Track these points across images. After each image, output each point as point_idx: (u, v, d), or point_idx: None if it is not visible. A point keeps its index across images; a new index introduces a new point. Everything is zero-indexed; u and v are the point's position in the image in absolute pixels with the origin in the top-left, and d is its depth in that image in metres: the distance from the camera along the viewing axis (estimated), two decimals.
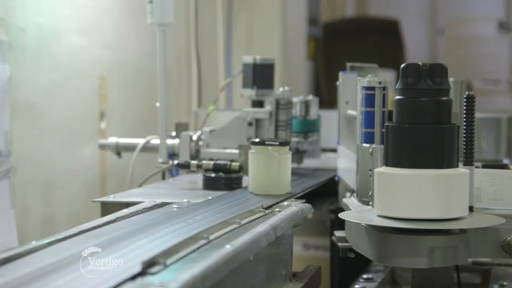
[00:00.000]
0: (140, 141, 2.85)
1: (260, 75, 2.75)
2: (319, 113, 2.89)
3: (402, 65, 1.72)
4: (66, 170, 3.02)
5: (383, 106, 1.91)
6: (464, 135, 1.78)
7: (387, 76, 2.27)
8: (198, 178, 2.35)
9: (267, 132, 2.64)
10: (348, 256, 1.97)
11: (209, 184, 2.26)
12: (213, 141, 2.69)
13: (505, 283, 2.23)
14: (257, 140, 2.15)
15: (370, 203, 1.87)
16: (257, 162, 2.12)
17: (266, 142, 2.13)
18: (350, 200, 2.09)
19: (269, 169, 2.12)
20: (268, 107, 2.66)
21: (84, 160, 3.14)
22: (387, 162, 1.72)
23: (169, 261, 1.29)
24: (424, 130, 1.68)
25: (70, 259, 1.33)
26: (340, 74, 2.37)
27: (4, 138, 2.51)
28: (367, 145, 1.94)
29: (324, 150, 3.16)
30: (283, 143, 2.15)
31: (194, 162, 2.32)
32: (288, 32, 5.18)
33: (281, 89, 2.66)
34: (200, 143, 2.72)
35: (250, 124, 2.66)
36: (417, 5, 8.52)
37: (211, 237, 1.49)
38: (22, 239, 2.62)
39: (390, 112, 1.85)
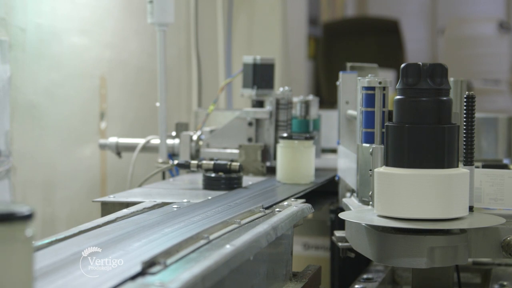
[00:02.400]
0: (140, 141, 2.85)
1: (260, 75, 2.76)
2: (319, 113, 2.89)
3: (402, 65, 1.72)
4: (66, 170, 3.02)
5: (383, 106, 1.91)
6: (464, 135, 1.78)
7: (387, 76, 2.27)
8: (198, 178, 2.35)
9: (267, 132, 2.64)
10: (348, 256, 1.97)
11: (209, 184, 2.26)
12: (213, 141, 2.69)
13: (505, 283, 2.23)
14: (285, 135, 2.42)
15: (370, 203, 1.87)
16: (285, 155, 2.40)
17: (293, 137, 2.40)
18: (350, 200, 2.09)
19: (295, 160, 2.39)
20: (268, 107, 2.66)
21: (84, 160, 3.14)
22: (387, 162, 1.72)
23: (169, 261, 1.29)
24: (424, 130, 1.68)
25: (70, 259, 1.33)
26: (340, 74, 2.37)
27: (4, 138, 2.51)
28: (367, 145, 1.94)
29: (324, 150, 3.16)
30: (307, 138, 2.42)
31: (194, 162, 2.32)
32: (288, 32, 5.18)
33: (281, 89, 2.66)
34: (200, 143, 2.72)
35: (250, 124, 2.66)
36: (417, 5, 8.52)
37: (211, 237, 1.49)
38: None
39: (390, 112, 1.85)
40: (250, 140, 2.65)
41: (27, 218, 0.98)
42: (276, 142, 2.62)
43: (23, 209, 0.98)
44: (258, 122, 2.67)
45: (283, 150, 2.41)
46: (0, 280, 0.97)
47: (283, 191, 2.22)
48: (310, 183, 2.38)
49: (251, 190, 2.21)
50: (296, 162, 2.39)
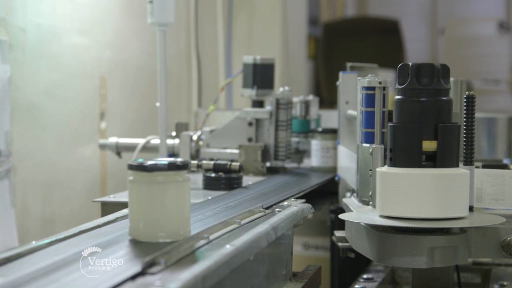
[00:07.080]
0: (140, 141, 2.84)
1: (260, 75, 2.75)
2: (319, 113, 2.89)
3: (400, 65, 1.72)
4: (67, 170, 3.02)
5: (383, 106, 1.91)
6: (464, 135, 1.78)
7: (387, 76, 2.27)
8: (198, 178, 2.35)
9: (267, 132, 2.64)
10: (348, 256, 1.97)
11: (209, 184, 2.26)
12: (213, 141, 2.69)
13: (505, 283, 2.23)
14: (320, 129, 2.73)
15: (370, 203, 1.87)
16: (316, 147, 2.75)
17: (322, 131, 2.72)
18: (350, 200, 2.09)
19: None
20: (268, 107, 2.66)
21: (84, 160, 3.14)
22: (389, 162, 1.72)
23: (169, 261, 1.29)
24: (424, 130, 1.68)
25: (70, 259, 1.33)
26: (340, 74, 2.37)
27: (4, 138, 2.51)
28: (367, 145, 1.94)
29: None
30: (332, 131, 2.70)
31: (194, 162, 2.32)
32: (288, 32, 5.18)
33: (281, 89, 2.66)
34: (200, 143, 2.72)
35: (250, 124, 2.66)
36: (417, 5, 8.52)
37: (211, 237, 1.49)
38: (22, 239, 2.62)
39: (390, 112, 1.85)
40: (250, 140, 2.65)
41: (184, 166, 1.47)
42: (276, 142, 2.63)
43: (180, 160, 1.47)
44: (258, 122, 2.67)
45: (315, 143, 2.74)
46: (172, 209, 1.45)
47: (284, 189, 2.22)
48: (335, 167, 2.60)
49: (251, 190, 2.20)
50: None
